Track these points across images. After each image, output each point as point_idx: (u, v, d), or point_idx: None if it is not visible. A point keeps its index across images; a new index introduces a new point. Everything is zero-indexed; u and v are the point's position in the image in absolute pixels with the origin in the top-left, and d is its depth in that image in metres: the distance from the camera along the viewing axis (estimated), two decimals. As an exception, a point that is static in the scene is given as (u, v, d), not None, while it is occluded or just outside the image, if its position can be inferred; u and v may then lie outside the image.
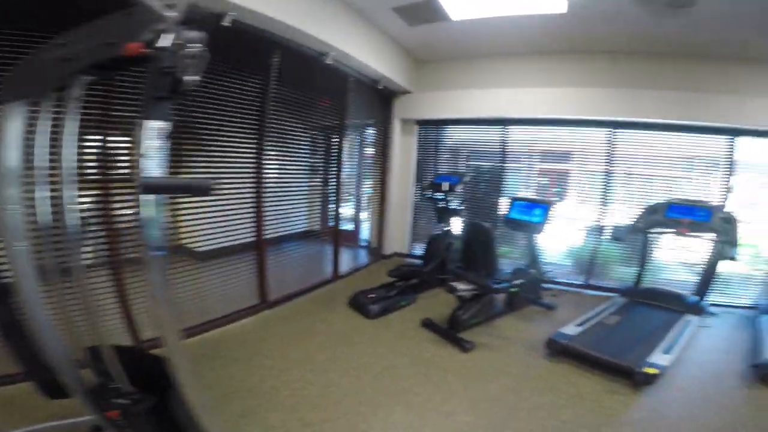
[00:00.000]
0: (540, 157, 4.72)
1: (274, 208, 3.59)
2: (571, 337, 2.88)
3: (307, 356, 2.74)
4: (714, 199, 4.03)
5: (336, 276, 4.43)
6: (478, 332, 3.23)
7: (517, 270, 3.83)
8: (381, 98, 4.88)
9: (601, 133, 4.37)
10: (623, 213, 4.30)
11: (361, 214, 5.20)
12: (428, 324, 3.33)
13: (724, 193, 4.04)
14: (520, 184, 4.81)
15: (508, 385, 2.49)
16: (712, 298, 4.25)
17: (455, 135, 5.11)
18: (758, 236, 4.09)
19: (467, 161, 5.12)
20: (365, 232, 5.31)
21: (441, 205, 4.25)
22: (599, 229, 4.46)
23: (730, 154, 4.02)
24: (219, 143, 3.05)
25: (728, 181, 4.03)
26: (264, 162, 3.32)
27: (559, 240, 4.74)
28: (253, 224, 3.35)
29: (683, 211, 3.49)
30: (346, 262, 4.74)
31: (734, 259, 2.99)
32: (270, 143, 3.38)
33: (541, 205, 3.68)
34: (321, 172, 4.26)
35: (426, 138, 5.22)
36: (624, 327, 3.15)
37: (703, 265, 3.71)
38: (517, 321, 3.56)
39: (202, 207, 2.93)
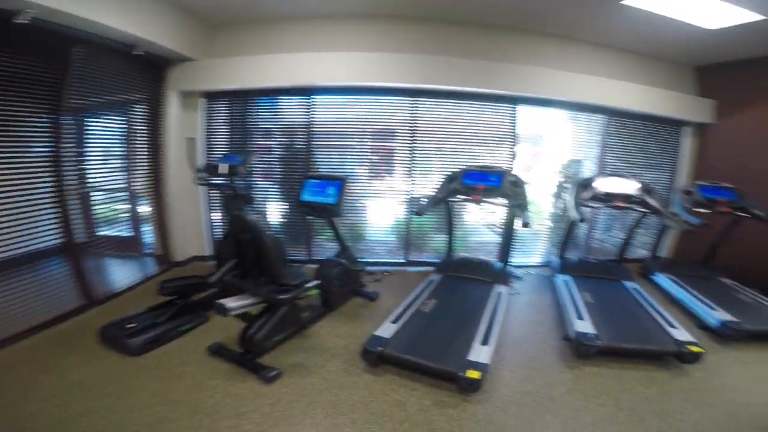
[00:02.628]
0: (349, 131, 4.22)
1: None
2: (386, 341, 2.41)
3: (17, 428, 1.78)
4: (504, 165, 4.16)
5: (93, 301, 3.17)
6: (287, 349, 2.54)
7: (326, 262, 3.26)
8: (144, 67, 3.65)
9: (405, 103, 4.09)
10: (430, 184, 4.13)
11: (138, 213, 3.93)
12: (218, 350, 2.48)
13: (511, 159, 4.20)
14: (333, 163, 4.25)
15: (319, 424, 1.88)
16: (515, 259, 4.48)
17: (252, 109, 4.22)
18: (536, 196, 4.42)
19: (268, 138, 4.32)
20: (150, 235, 4.06)
21: (226, 191, 3.37)
22: (411, 203, 4.22)
23: (514, 122, 4.21)
24: None
25: (514, 148, 4.19)
26: None
27: (375, 218, 4.38)
28: None
29: (478, 177, 3.39)
30: (115, 278, 3.49)
31: (527, 224, 2.90)
32: None
33: (333, 183, 3.13)
34: (65, 167, 2.94)
35: (216, 114, 4.21)
36: (440, 313, 2.86)
37: (502, 229, 3.75)
38: (338, 322, 3.00)
39: None
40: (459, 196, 3.42)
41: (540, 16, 3.61)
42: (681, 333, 2.60)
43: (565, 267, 3.92)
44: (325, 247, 4.37)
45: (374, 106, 4.12)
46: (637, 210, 3.52)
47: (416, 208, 3.43)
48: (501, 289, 3.37)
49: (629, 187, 3.46)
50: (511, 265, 4.05)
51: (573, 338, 2.56)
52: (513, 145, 4.24)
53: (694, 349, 2.39)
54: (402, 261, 4.44)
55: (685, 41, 3.84)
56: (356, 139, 4.22)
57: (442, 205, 3.65)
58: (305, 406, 2.01)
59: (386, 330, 2.55)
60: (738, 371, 2.44)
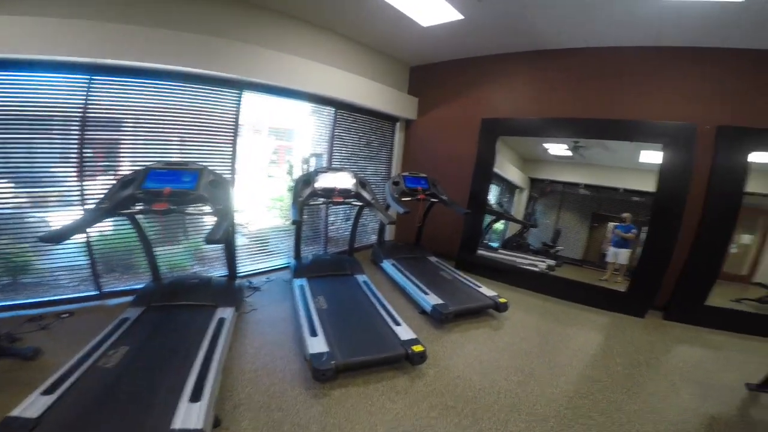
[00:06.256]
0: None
1: None
2: (30, 423, 1.46)
3: None
4: (223, 160, 3.53)
5: None
6: None
7: None
8: None
9: (78, 83, 2.82)
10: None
11: None
12: None
13: (231, 151, 3.59)
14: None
15: None
16: (252, 266, 3.97)
17: None
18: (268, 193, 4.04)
19: None
20: None
21: None
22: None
23: (237, 111, 3.57)
24: None
25: (236, 139, 3.59)
26: None
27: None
28: None
29: (165, 178, 2.59)
30: None
31: (215, 240, 2.18)
32: None
33: None
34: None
35: None
36: (131, 366, 1.98)
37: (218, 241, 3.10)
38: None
39: None
40: (139, 205, 2.54)
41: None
42: (405, 331, 2.63)
43: (301, 269, 3.66)
44: None
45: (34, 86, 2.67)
46: (354, 204, 3.56)
47: (49, 234, 2.23)
48: (226, 312, 2.73)
49: (346, 181, 3.45)
50: (242, 278, 3.50)
51: (310, 360, 2.20)
52: (235, 137, 3.61)
53: (417, 348, 2.40)
54: (94, 293, 3.19)
55: (403, 39, 4.15)
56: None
57: (115, 217, 2.67)
58: None
59: (32, 407, 1.58)
60: (458, 358, 2.63)
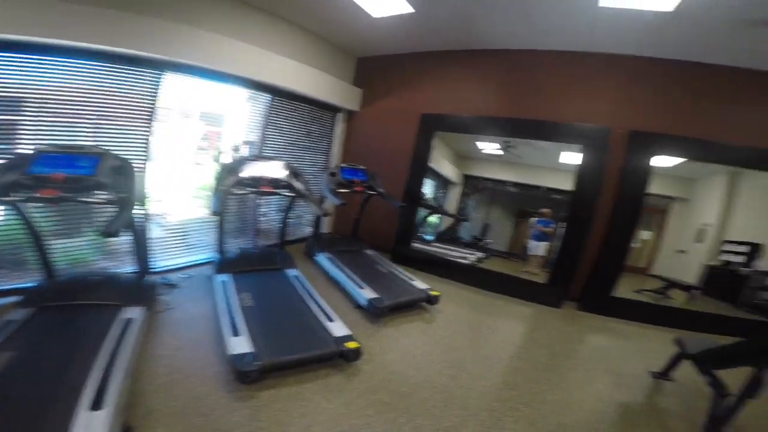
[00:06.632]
0: None
1: None
2: None
3: None
4: (138, 145, 3.18)
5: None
6: None
7: None
8: None
9: None
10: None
11: None
12: None
13: (147, 136, 3.24)
14: None
15: None
16: (171, 261, 3.66)
17: None
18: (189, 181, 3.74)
19: None
20: None
21: None
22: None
23: (155, 93, 3.21)
24: None
25: (151, 123, 3.24)
26: None
27: None
28: None
29: (58, 162, 2.26)
30: None
31: (114, 233, 1.95)
32: None
33: None
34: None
35: None
36: (19, 376, 1.70)
37: (127, 234, 2.79)
38: None
39: None
40: (23, 192, 2.18)
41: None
42: (339, 327, 2.55)
43: (224, 264, 3.43)
44: None
45: None
46: (284, 195, 3.41)
47: None
48: (134, 312, 2.45)
49: (277, 171, 3.28)
50: (157, 274, 3.20)
51: (232, 361, 2.03)
52: (151, 121, 3.25)
53: (352, 345, 2.34)
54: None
55: (351, 29, 4.03)
56: None
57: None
58: None
59: None
60: (393, 353, 2.61)
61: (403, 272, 3.87)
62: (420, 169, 4.67)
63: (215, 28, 3.37)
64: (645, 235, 4.33)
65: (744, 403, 1.88)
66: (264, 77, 3.80)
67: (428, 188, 5.39)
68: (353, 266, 3.82)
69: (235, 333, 2.35)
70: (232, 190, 3.09)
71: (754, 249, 3.69)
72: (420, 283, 3.61)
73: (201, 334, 2.58)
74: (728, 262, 3.85)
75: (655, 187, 3.75)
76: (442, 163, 5.38)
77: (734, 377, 1.95)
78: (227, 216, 3.77)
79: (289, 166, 3.39)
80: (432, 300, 3.39)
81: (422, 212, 4.93)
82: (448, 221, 5.76)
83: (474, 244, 5.44)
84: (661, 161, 3.72)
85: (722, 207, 3.90)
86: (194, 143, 4.55)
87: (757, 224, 3.70)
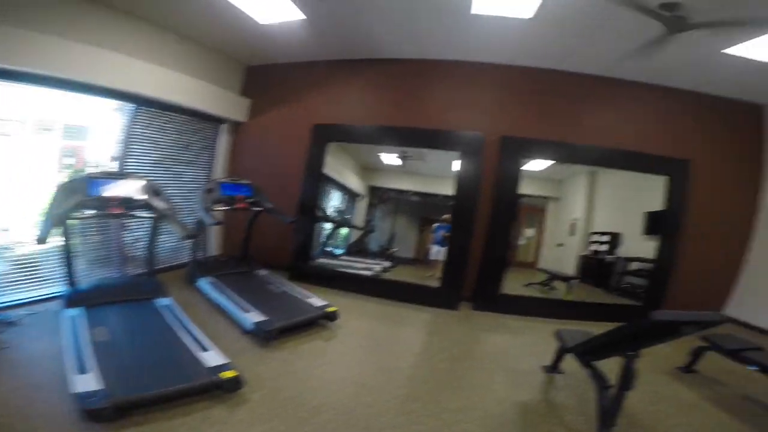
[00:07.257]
0: None
1: None
2: None
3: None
4: None
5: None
6: None
7: None
8: None
9: None
10: None
11: None
12: None
13: None
14: None
15: None
16: (11, 297, 3.04)
17: None
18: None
19: None
20: None
21: None
22: None
23: None
24: None
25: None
26: None
27: None
28: None
29: None
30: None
31: None
32: None
33: None
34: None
35: None
36: None
37: None
38: None
39: None
40: None
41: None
42: (214, 356, 2.26)
43: (76, 297, 2.90)
44: None
45: None
46: (140, 216, 3.01)
47: None
48: None
49: (131, 189, 2.88)
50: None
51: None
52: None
53: (228, 374, 2.06)
54: None
55: (238, 36, 3.80)
56: None
57: None
58: None
59: None
60: (287, 377, 2.38)
61: (299, 291, 3.64)
62: (315, 181, 4.51)
63: (60, 32, 2.91)
64: (530, 232, 4.64)
65: (624, 396, 1.90)
66: (123, 85, 3.37)
67: (335, 201, 5.26)
68: (239, 289, 3.50)
69: (82, 371, 1.97)
70: (71, 214, 2.63)
71: (615, 238, 4.13)
72: (317, 300, 3.41)
73: (44, 375, 2.14)
74: (596, 252, 4.26)
75: (532, 189, 4.04)
76: (347, 175, 5.30)
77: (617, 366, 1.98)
78: (84, 243, 3.25)
79: (149, 184, 3.00)
80: (331, 316, 3.22)
81: (325, 226, 4.76)
82: (357, 233, 5.67)
83: (382, 253, 5.42)
84: (533, 165, 4.03)
85: (586, 203, 4.34)
86: (56, 160, 3.89)
87: (614, 216, 4.17)
